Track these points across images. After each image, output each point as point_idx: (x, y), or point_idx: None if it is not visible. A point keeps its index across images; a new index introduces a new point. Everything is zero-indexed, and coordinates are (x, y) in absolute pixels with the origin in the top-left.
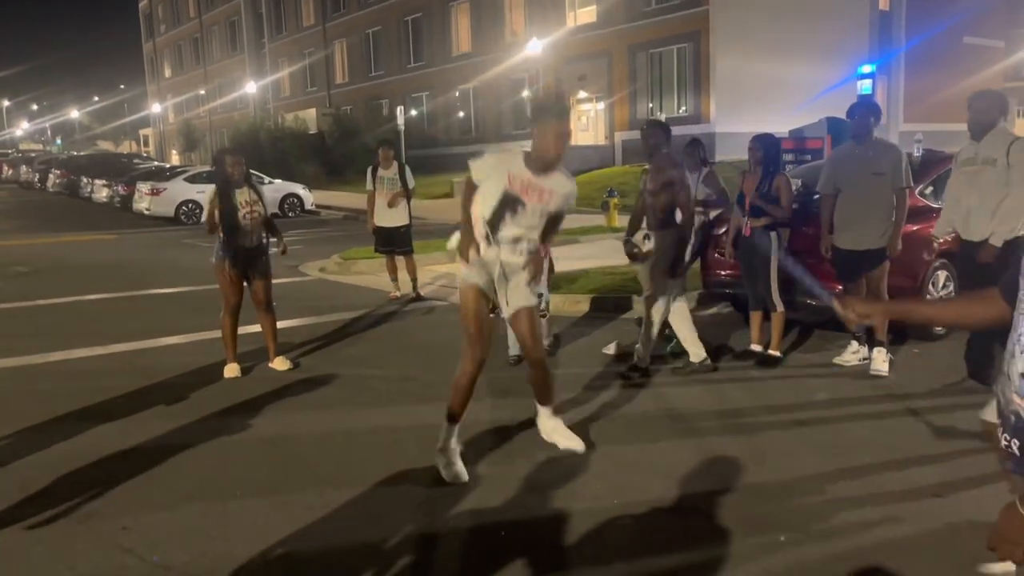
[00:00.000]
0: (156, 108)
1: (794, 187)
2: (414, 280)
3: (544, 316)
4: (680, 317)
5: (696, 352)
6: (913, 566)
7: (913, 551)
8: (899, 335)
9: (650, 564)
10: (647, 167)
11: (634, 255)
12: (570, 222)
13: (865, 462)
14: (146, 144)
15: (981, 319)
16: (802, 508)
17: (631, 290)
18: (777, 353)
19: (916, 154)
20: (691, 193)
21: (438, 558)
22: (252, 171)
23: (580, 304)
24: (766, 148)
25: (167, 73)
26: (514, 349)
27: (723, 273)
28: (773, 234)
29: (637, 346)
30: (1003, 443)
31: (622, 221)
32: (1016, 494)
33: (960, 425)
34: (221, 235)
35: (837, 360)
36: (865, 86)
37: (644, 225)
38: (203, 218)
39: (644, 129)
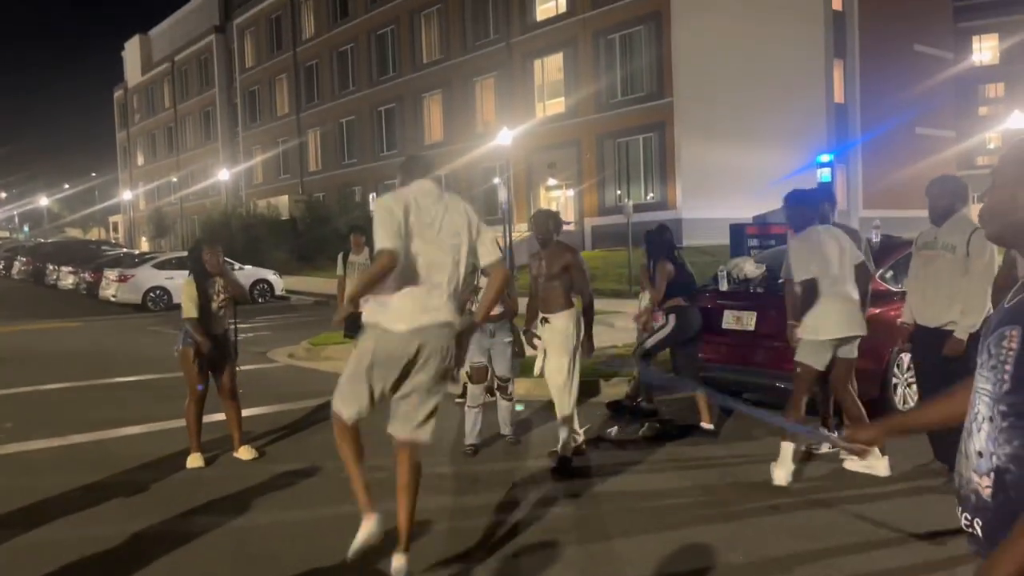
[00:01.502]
0: (127, 195)
1: (759, 272)
2: None
3: (509, 400)
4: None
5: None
6: None
7: None
8: (869, 416)
9: None
10: (535, 254)
11: (535, 345)
12: None
13: (835, 544)
14: (115, 231)
15: (959, 417)
16: None
17: (600, 373)
18: (708, 426)
19: (875, 239)
20: (587, 275)
21: None
22: (224, 258)
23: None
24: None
25: (140, 161)
26: (470, 438)
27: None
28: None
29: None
30: (963, 523)
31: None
32: None
33: (931, 507)
34: (189, 321)
35: (807, 447)
36: (824, 174)
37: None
38: (184, 313)
39: (539, 217)
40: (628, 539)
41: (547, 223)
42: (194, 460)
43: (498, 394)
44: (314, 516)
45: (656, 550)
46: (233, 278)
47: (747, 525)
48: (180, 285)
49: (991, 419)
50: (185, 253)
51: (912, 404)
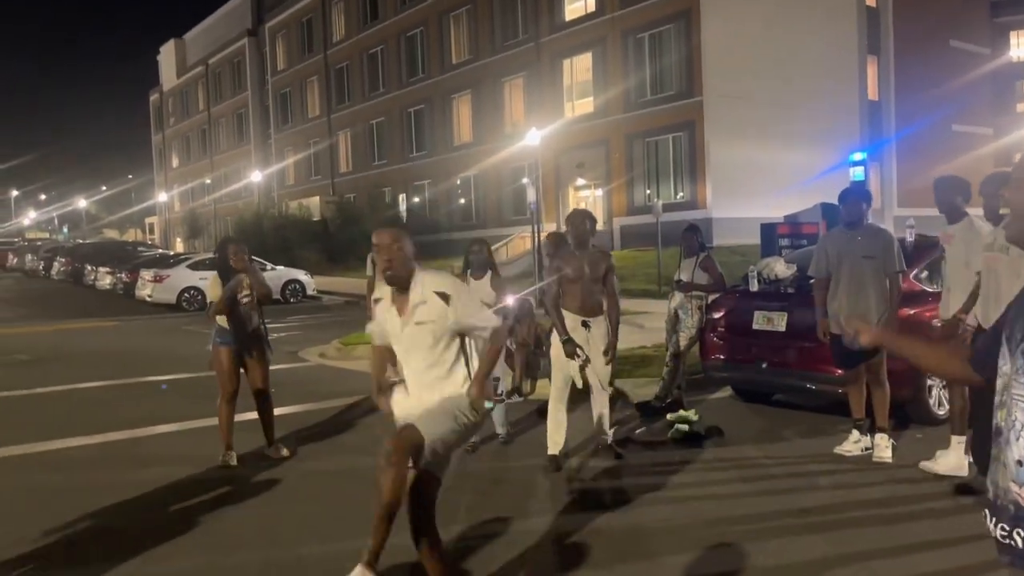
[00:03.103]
0: (162, 197)
1: (789, 272)
2: None
3: (500, 401)
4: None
5: (554, 443)
6: None
7: None
8: (901, 420)
9: None
10: (563, 256)
11: (577, 355)
12: None
13: (867, 548)
14: (151, 232)
15: (952, 373)
16: None
17: (627, 375)
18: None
19: (909, 239)
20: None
21: None
22: (255, 258)
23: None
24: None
25: (174, 163)
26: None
27: (721, 357)
28: None
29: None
30: (999, 534)
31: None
32: None
33: (964, 512)
34: (219, 322)
35: (837, 450)
36: (858, 173)
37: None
38: (209, 310)
39: (576, 218)
40: (655, 540)
41: (584, 224)
42: (226, 458)
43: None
44: (343, 515)
45: (684, 551)
46: (259, 277)
47: (776, 527)
48: (208, 283)
49: None
50: None
51: (947, 407)
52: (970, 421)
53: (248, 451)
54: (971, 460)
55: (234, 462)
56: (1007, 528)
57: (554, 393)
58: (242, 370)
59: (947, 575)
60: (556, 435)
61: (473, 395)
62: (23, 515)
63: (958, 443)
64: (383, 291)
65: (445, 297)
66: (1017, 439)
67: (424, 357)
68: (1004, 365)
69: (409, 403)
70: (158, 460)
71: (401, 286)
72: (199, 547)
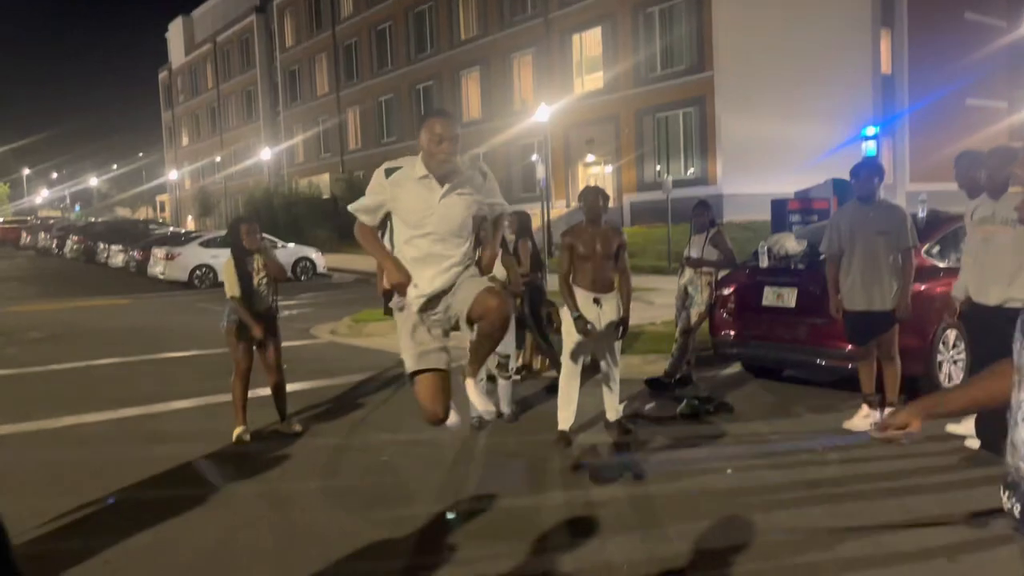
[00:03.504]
0: (173, 175)
1: (800, 248)
2: None
3: (508, 378)
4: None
5: (564, 418)
6: None
7: None
8: (912, 394)
9: None
10: (576, 231)
11: (588, 331)
12: None
13: (877, 523)
14: (162, 210)
15: (1005, 394)
16: (811, 566)
17: (637, 351)
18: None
19: (921, 214)
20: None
21: None
22: (265, 235)
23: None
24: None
25: (184, 141)
26: (475, 411)
27: (731, 333)
28: None
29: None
30: (1013, 509)
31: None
32: None
33: (972, 486)
34: (233, 300)
35: (847, 425)
36: (870, 148)
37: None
38: (227, 292)
39: (589, 195)
40: (664, 515)
41: (598, 200)
42: (239, 433)
43: (497, 371)
44: (354, 489)
45: (692, 522)
46: (272, 256)
47: (785, 500)
48: (224, 264)
49: None
50: None
51: (956, 382)
52: None
53: (261, 427)
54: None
55: (248, 438)
56: (1021, 504)
57: (565, 369)
58: (255, 348)
59: (955, 549)
60: (566, 410)
61: (485, 260)
62: (39, 490)
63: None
64: (419, 169)
65: (484, 175)
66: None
67: (449, 228)
68: (1017, 344)
69: (428, 273)
70: (173, 436)
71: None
72: (213, 522)
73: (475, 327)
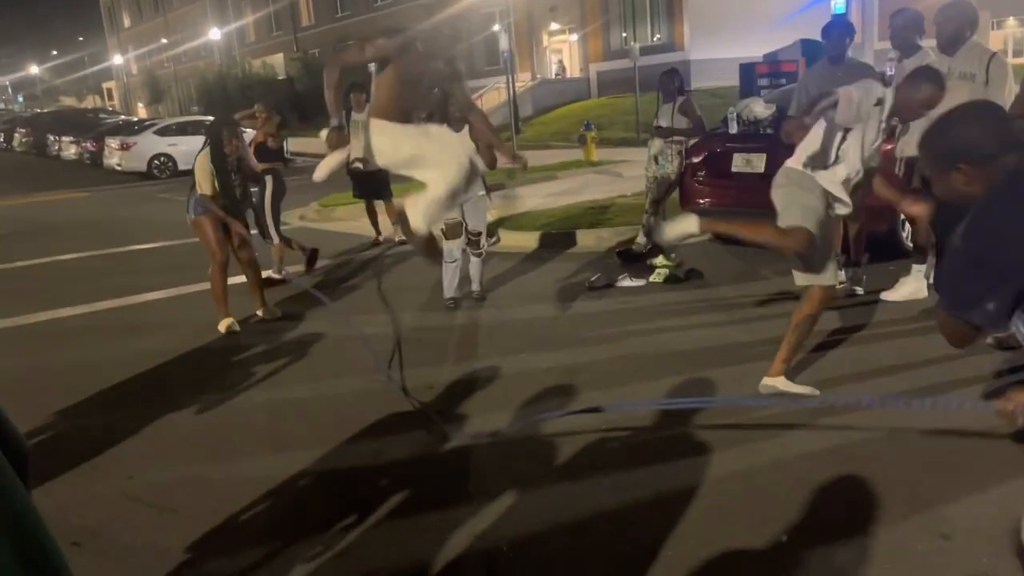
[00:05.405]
0: (118, 60)
1: (768, 112)
2: (395, 225)
3: (479, 255)
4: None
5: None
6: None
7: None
8: (875, 254)
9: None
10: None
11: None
12: (547, 157)
13: (838, 374)
14: (110, 98)
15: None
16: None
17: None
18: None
19: (889, 72)
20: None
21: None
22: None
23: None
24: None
25: (126, 23)
26: (449, 292)
27: (702, 201)
28: None
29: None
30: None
31: (600, 155)
32: None
33: (928, 333)
34: (199, 192)
35: (886, 296)
36: (839, 4)
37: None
38: (199, 189)
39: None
40: (635, 370)
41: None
42: (225, 325)
43: (468, 248)
44: (338, 372)
45: (662, 378)
46: (250, 161)
47: (752, 354)
48: (184, 152)
49: None
50: (185, 119)
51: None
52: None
53: (239, 316)
54: (930, 283)
55: (238, 328)
56: None
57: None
58: (226, 237)
59: (913, 392)
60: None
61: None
62: (26, 389)
63: (917, 270)
64: None
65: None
66: None
67: None
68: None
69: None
70: (152, 327)
71: None
72: (203, 407)
73: None
